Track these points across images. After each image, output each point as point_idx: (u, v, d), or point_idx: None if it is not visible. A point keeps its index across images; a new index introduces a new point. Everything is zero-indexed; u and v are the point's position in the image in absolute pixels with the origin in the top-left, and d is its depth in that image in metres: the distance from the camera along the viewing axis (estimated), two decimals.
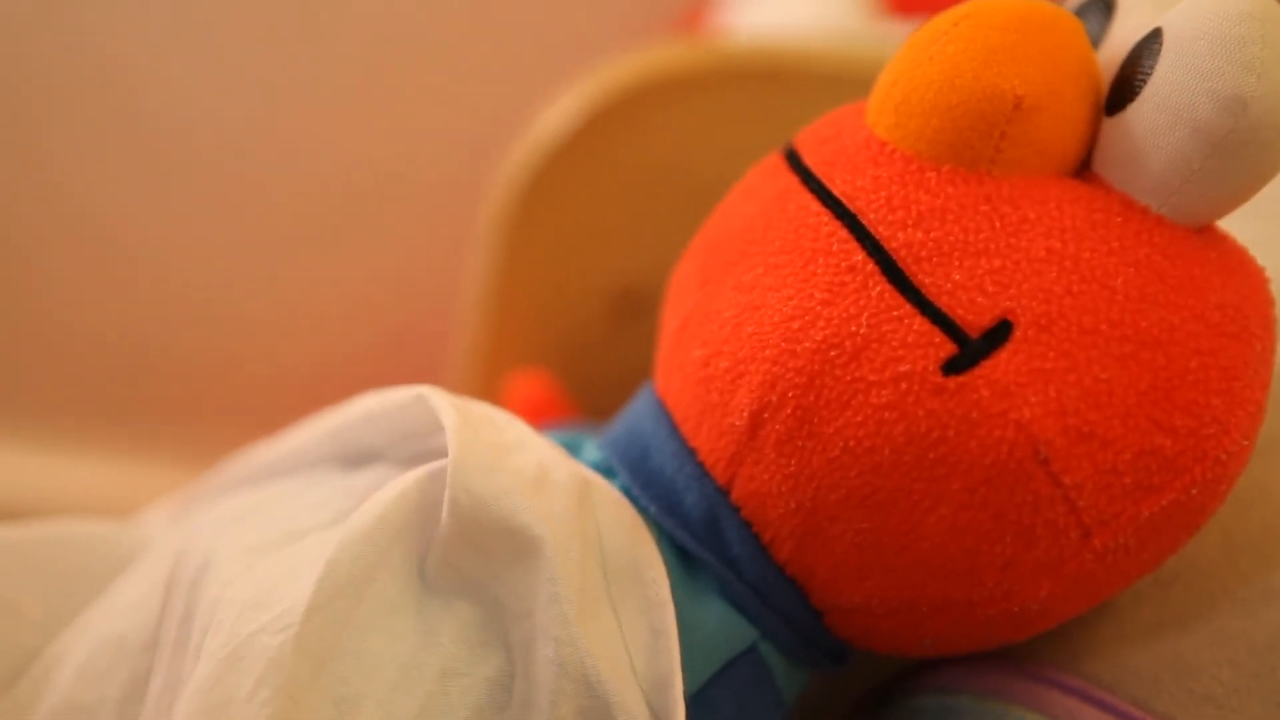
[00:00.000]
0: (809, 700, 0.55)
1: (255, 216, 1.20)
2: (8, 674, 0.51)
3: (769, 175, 0.51)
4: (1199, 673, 0.47)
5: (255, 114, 1.15)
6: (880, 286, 0.44)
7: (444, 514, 0.46)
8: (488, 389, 0.70)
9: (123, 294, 1.22)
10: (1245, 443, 0.44)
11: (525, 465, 0.47)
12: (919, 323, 0.43)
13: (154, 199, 1.20)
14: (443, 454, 0.47)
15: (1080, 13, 0.49)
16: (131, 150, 1.17)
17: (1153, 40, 0.44)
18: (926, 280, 0.44)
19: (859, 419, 0.44)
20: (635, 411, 0.53)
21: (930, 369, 0.43)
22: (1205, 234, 0.45)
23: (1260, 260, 0.46)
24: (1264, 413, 0.45)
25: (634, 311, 0.74)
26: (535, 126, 0.73)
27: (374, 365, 1.18)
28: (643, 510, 0.50)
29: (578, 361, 0.73)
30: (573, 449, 0.54)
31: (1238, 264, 0.46)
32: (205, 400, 1.26)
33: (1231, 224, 0.46)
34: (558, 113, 0.72)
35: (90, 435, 1.22)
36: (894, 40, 0.55)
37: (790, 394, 0.45)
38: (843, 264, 0.45)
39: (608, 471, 0.52)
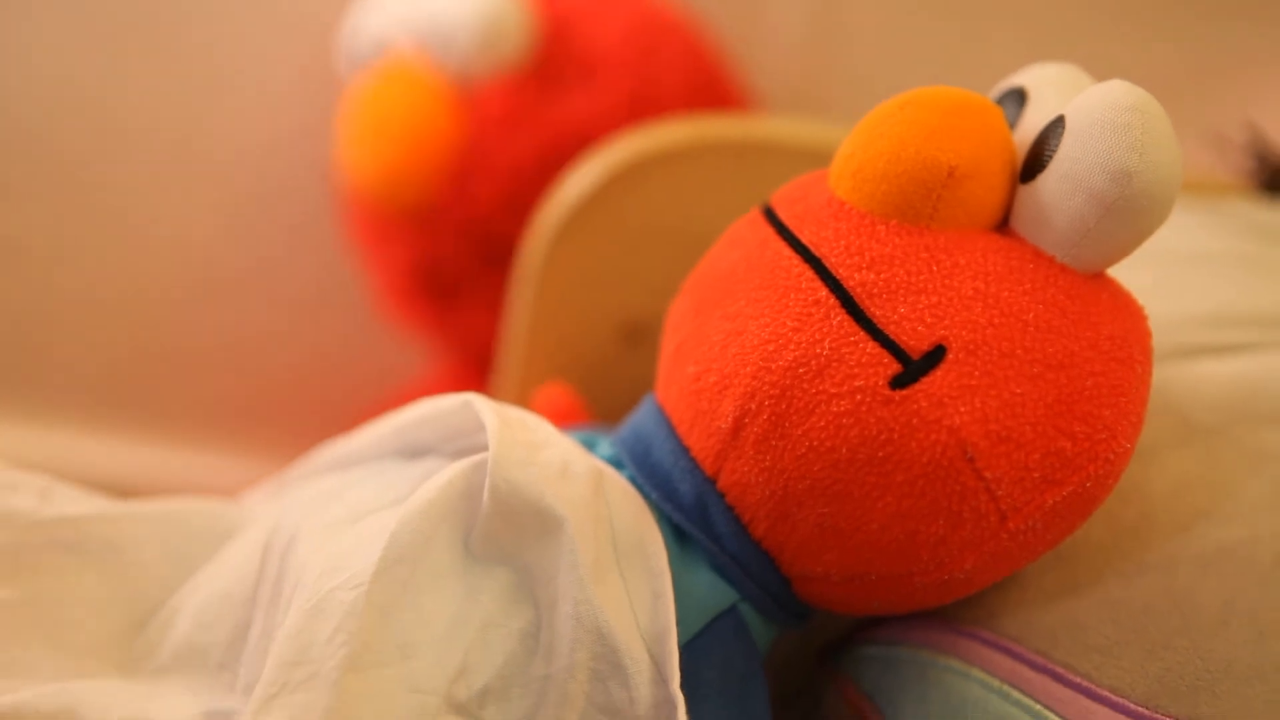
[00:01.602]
0: (779, 649, 0.56)
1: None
2: (139, 620, 0.52)
3: (750, 227, 0.52)
4: (1089, 629, 0.48)
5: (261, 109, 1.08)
6: (840, 317, 0.46)
7: (485, 498, 0.47)
8: (521, 399, 0.71)
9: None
10: (1128, 446, 0.46)
11: (551, 459, 0.49)
12: (871, 347, 0.45)
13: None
14: (484, 449, 0.48)
15: (1000, 101, 0.51)
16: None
17: (1057, 125, 0.46)
18: (877, 312, 0.46)
19: (822, 424, 0.45)
20: (640, 416, 0.55)
21: (880, 384, 0.45)
22: (1099, 279, 0.47)
23: (1144, 300, 0.48)
24: (1143, 423, 0.47)
25: (638, 338, 0.75)
26: (560, 188, 0.75)
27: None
28: (646, 496, 0.52)
29: (593, 377, 0.74)
30: (590, 446, 0.55)
31: (1124, 303, 0.47)
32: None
33: (1121, 271, 0.48)
34: (579, 178, 0.74)
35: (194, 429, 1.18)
36: None
37: (766, 403, 0.47)
38: (809, 299, 0.47)
39: (617, 464, 0.53)
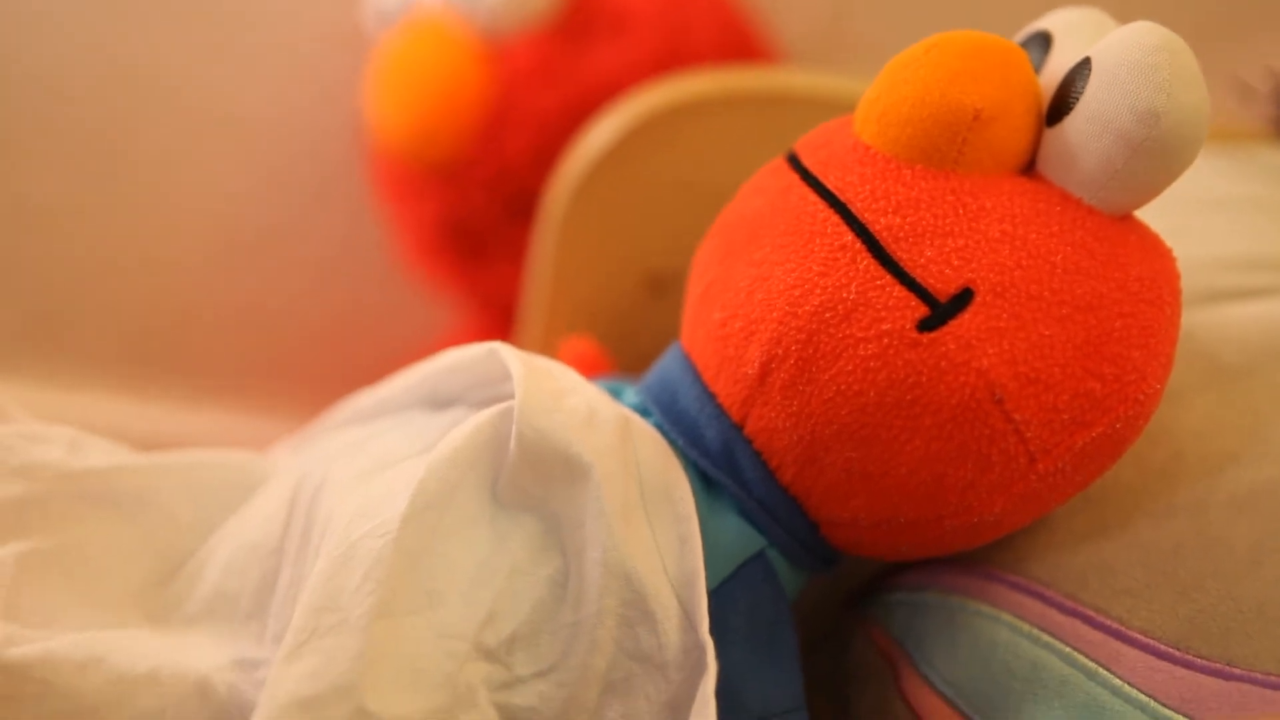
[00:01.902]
0: (807, 595, 0.55)
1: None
2: (169, 568, 0.52)
3: (775, 174, 0.52)
4: (1118, 572, 0.48)
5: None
6: (866, 261, 0.45)
7: (512, 445, 0.47)
8: (547, 350, 0.70)
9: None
10: (1158, 388, 0.45)
11: (577, 406, 0.48)
12: (898, 290, 0.45)
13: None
14: (511, 398, 0.48)
15: (1025, 44, 0.50)
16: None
17: (1083, 67, 0.45)
18: (904, 256, 0.45)
19: (849, 368, 0.45)
20: (666, 364, 0.54)
21: (907, 327, 0.44)
22: (1127, 221, 0.47)
23: (1170, 244, 0.48)
24: (1172, 364, 0.46)
25: (662, 289, 0.75)
26: (583, 141, 0.74)
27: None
28: (672, 443, 0.51)
29: (617, 329, 0.74)
30: (615, 394, 0.54)
31: (1152, 245, 0.47)
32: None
33: (1149, 214, 0.47)
34: (602, 130, 0.73)
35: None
36: None
37: (793, 348, 0.46)
38: (835, 243, 0.46)
39: (644, 412, 0.53)
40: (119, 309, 1.15)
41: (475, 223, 0.93)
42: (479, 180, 0.91)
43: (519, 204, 0.90)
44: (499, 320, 1.02)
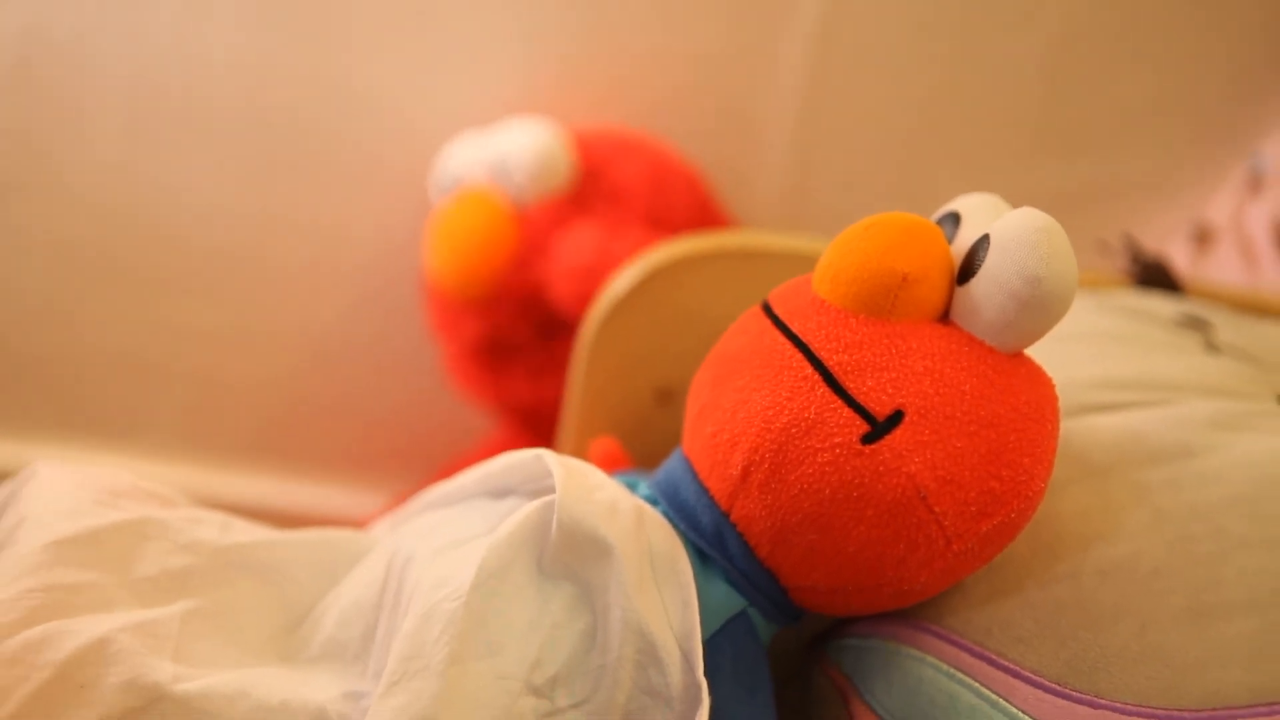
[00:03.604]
0: (778, 641, 0.55)
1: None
2: (295, 620, 0.52)
3: (753, 319, 0.52)
4: (1014, 625, 0.48)
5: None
6: (822, 389, 0.46)
7: (553, 530, 0.47)
8: (579, 449, 0.70)
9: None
10: (1043, 485, 0.46)
11: (603, 499, 0.49)
12: (846, 412, 0.45)
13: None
14: (553, 492, 0.48)
15: (940, 222, 0.51)
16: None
17: (984, 241, 0.46)
18: (851, 385, 0.45)
19: (810, 472, 0.45)
20: (670, 465, 0.54)
21: (854, 440, 0.44)
22: (1018, 358, 0.47)
23: (1051, 369, 0.48)
24: (1053, 466, 0.46)
25: (667, 399, 0.75)
26: (609, 286, 0.75)
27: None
28: (675, 526, 0.51)
29: (634, 432, 0.74)
30: (632, 487, 0.55)
31: (1037, 376, 0.47)
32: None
33: (1033, 349, 0.48)
34: (623, 277, 0.74)
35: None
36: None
37: (767, 456, 0.46)
38: (799, 375, 0.47)
39: (653, 501, 0.53)
40: (252, 408, 1.15)
41: (502, 341, 0.95)
42: (508, 307, 0.92)
43: (539, 327, 0.92)
44: (519, 425, 1.03)
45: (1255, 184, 0.96)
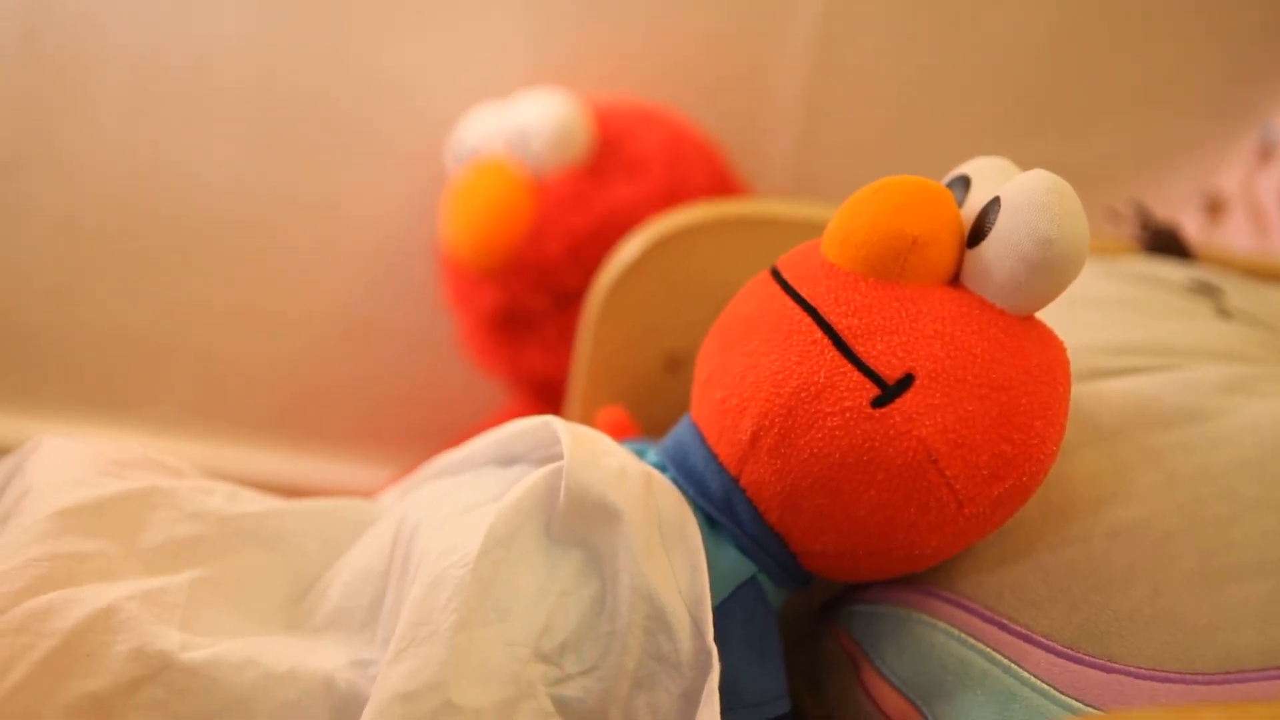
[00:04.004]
0: (789, 607, 0.55)
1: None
2: (302, 589, 0.52)
3: (762, 284, 0.51)
4: (1026, 589, 0.48)
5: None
6: (832, 354, 0.45)
7: (561, 496, 0.47)
8: (586, 418, 0.70)
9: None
10: (1055, 449, 0.45)
11: (611, 465, 0.48)
12: (856, 376, 0.44)
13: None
14: (561, 458, 0.48)
15: (950, 185, 0.50)
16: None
17: (995, 204, 0.45)
18: (861, 349, 0.45)
19: (820, 436, 0.45)
20: (679, 431, 0.53)
21: (864, 404, 0.44)
22: (1029, 320, 0.46)
23: (1063, 334, 0.47)
24: (1065, 430, 0.46)
25: (675, 366, 0.75)
26: (616, 254, 0.74)
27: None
28: (684, 492, 0.51)
29: (641, 400, 0.73)
30: (640, 454, 0.54)
31: (1049, 339, 0.47)
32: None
33: (1044, 313, 0.47)
34: (630, 245, 0.73)
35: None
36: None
37: (776, 420, 0.46)
38: (808, 339, 0.46)
39: (662, 468, 0.52)
40: (262, 386, 1.15)
41: (518, 312, 0.94)
42: (524, 278, 0.91)
43: (555, 296, 0.91)
44: (534, 396, 1.02)
45: (1266, 153, 0.95)
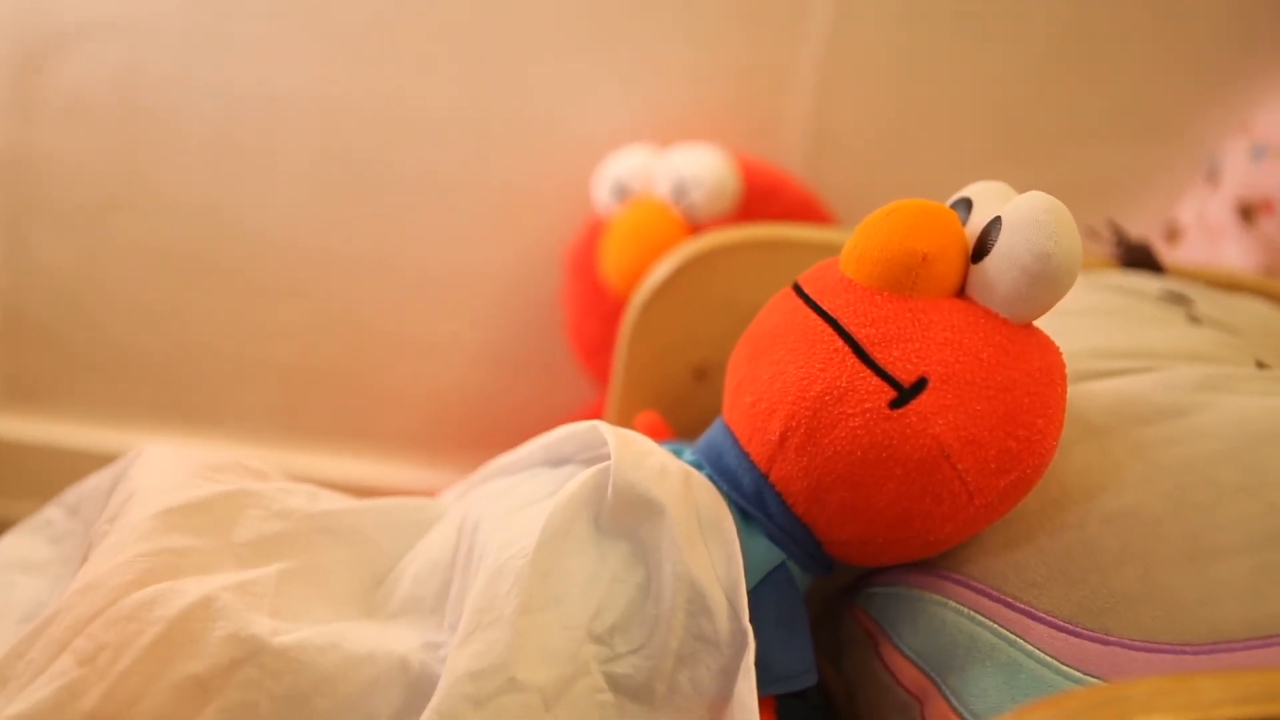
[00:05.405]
0: (814, 590, 0.54)
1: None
2: (375, 581, 0.52)
3: (785, 299, 0.51)
4: (1028, 571, 0.47)
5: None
6: (852, 360, 0.44)
7: (609, 493, 0.46)
8: (624, 422, 0.69)
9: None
10: (1054, 444, 0.45)
11: (654, 464, 0.47)
12: (875, 380, 0.44)
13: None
14: (608, 459, 0.47)
15: (954, 206, 0.49)
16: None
17: (996, 222, 0.44)
18: (879, 355, 0.44)
19: (843, 435, 0.44)
20: (713, 433, 0.53)
21: (882, 406, 0.43)
22: (1029, 328, 0.46)
23: (1057, 340, 0.47)
24: (1063, 427, 0.45)
25: (703, 376, 0.74)
26: (651, 273, 0.74)
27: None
28: (719, 488, 0.50)
29: (672, 406, 0.73)
30: (677, 453, 0.53)
31: (1046, 344, 0.46)
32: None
33: (1040, 322, 0.47)
34: (663, 265, 0.73)
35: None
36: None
37: (803, 422, 0.45)
38: (830, 348, 0.45)
39: (698, 466, 0.52)
40: (336, 396, 1.15)
41: None
42: None
43: None
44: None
45: (1212, 177, 0.95)
